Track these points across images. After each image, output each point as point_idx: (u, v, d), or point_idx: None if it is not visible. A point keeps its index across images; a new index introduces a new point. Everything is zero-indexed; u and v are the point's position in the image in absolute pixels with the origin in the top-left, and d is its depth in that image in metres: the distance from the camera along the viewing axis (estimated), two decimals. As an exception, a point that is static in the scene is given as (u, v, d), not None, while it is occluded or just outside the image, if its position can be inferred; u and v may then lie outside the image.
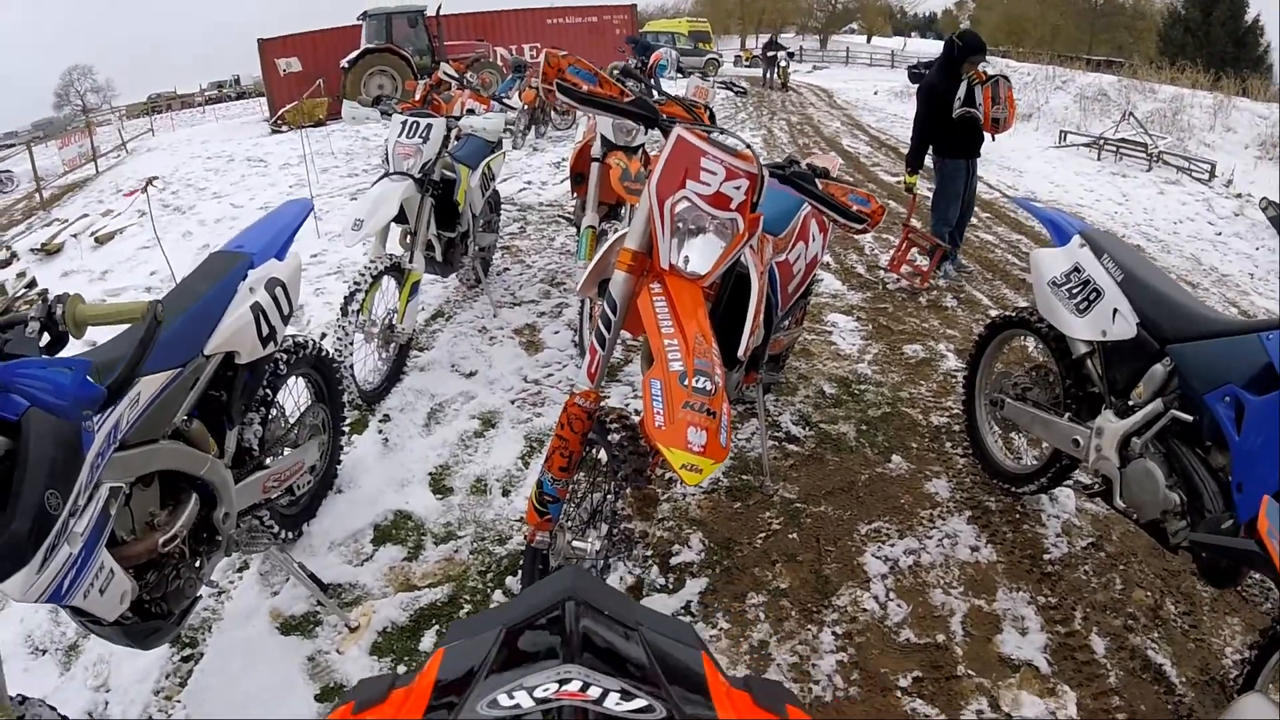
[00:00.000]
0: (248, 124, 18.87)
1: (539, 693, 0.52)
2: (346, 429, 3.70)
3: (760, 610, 2.59)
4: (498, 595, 2.72)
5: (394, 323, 3.92)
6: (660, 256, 1.95)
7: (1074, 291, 2.77)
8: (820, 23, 56.30)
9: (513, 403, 3.94)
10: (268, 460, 2.68)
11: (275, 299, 2.45)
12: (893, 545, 2.92)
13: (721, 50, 37.44)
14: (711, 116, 6.65)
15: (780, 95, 22.46)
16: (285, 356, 2.73)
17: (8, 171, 15.54)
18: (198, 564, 2.28)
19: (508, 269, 6.11)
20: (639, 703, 0.52)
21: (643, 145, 4.55)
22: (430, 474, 3.36)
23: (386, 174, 3.96)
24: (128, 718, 2.41)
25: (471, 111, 5.31)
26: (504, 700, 0.52)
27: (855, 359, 4.55)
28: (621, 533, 2.02)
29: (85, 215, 9.16)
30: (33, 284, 6.89)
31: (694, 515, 3.04)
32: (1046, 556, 2.91)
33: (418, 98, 7.65)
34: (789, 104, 20.66)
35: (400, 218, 4.05)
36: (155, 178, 9.96)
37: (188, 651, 2.65)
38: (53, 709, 1.83)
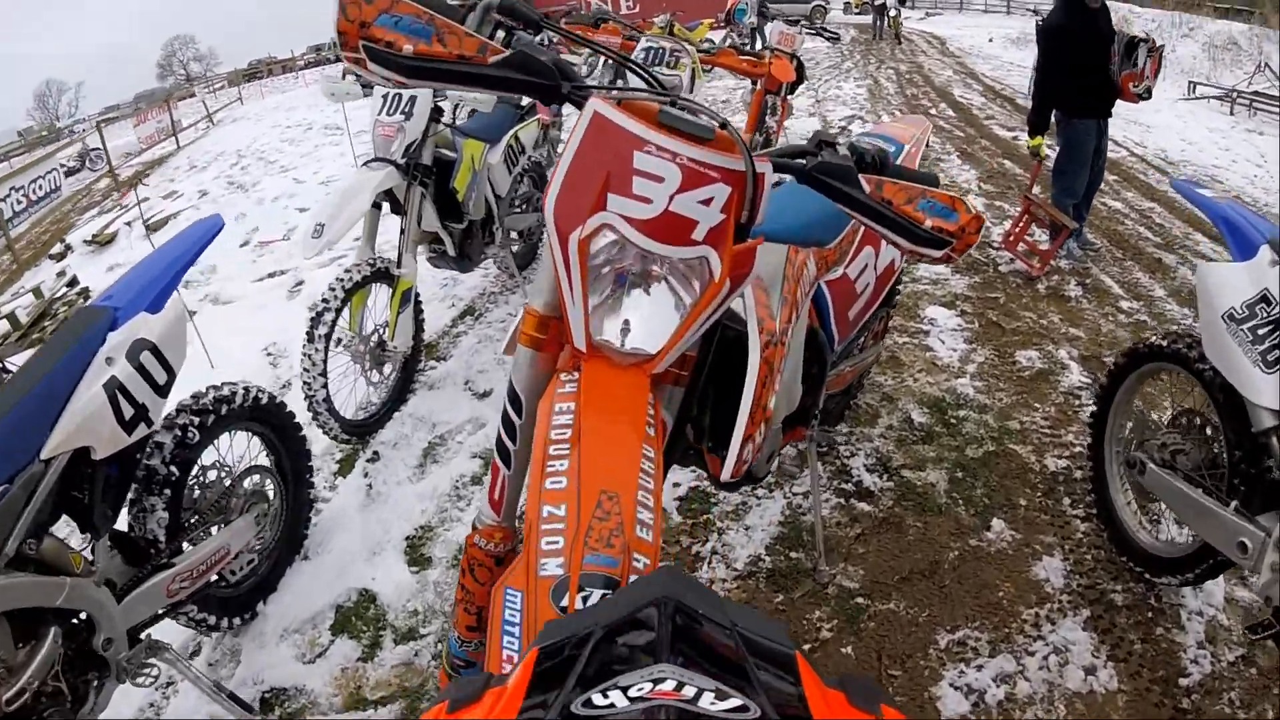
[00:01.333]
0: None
1: (633, 692, 0.50)
2: (335, 468, 3.19)
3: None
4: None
5: (384, 338, 3.33)
6: (572, 330, 1.19)
7: (1261, 333, 1.92)
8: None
9: (528, 433, 3.32)
10: (185, 547, 2.17)
11: (142, 367, 1.87)
12: (980, 666, 2.18)
13: (829, -4, 35.27)
14: (799, 68, 5.80)
15: (890, 44, 20.85)
16: (195, 420, 2.19)
17: (96, 149, 15.68)
18: (86, 697, 1.82)
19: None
20: (733, 702, 0.50)
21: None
22: (408, 538, 2.78)
23: (368, 161, 3.35)
24: None
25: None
26: (598, 700, 0.50)
27: (955, 371, 3.74)
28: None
29: (146, 199, 8.97)
30: (73, 282, 6.69)
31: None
32: (1183, 681, 2.14)
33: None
34: (899, 53, 19.16)
35: (399, 210, 3.45)
36: (146, 173, 9.70)
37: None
38: None
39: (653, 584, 0.66)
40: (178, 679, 2.43)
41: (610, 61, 4.74)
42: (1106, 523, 2.60)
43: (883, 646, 2.24)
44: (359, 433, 3.25)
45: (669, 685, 0.51)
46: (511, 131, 4.12)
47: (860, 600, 2.39)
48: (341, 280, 3.01)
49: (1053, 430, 3.24)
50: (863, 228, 2.24)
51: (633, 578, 0.98)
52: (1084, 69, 4.61)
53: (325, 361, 2.97)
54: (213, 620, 2.37)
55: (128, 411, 1.84)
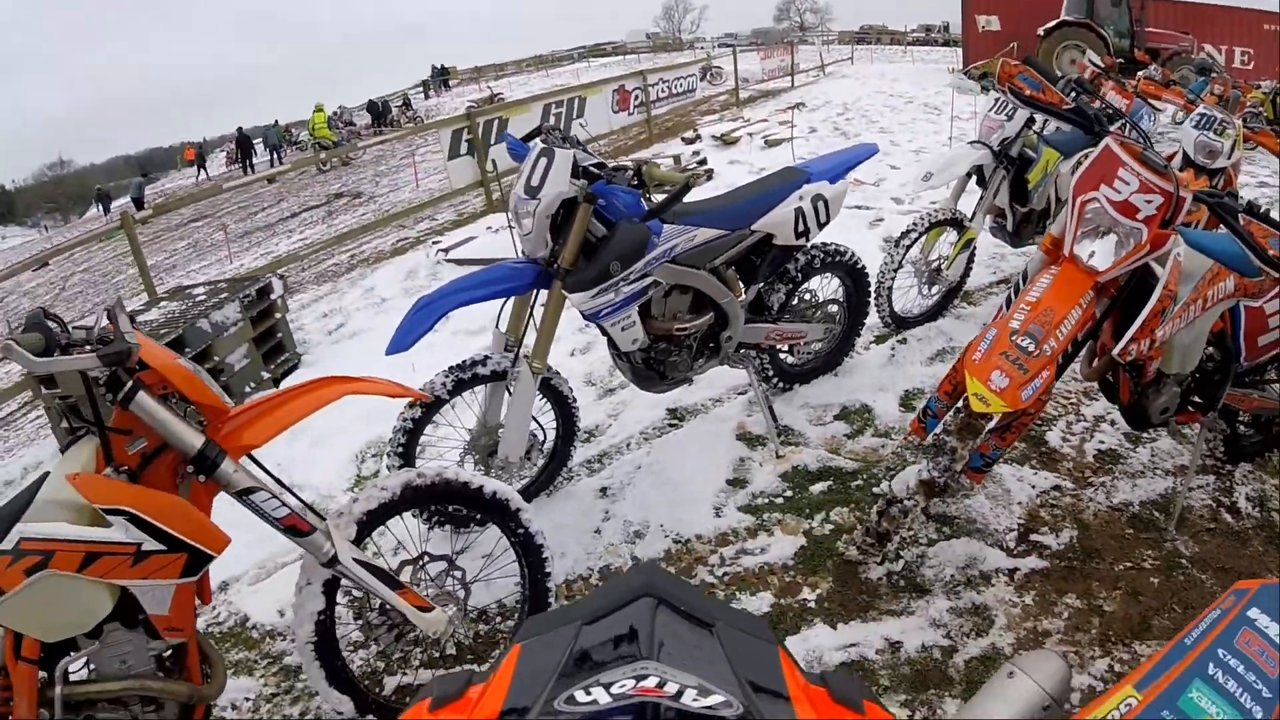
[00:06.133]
0: (938, 71, 19.73)
1: (616, 689, 0.53)
2: (865, 347, 4.52)
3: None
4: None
5: (941, 268, 4.60)
6: (1066, 244, 2.35)
7: None
8: None
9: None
10: (783, 319, 3.67)
11: (815, 209, 3.38)
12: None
13: None
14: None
15: None
16: (822, 255, 3.66)
17: (718, 68, 19.71)
18: (699, 356, 3.39)
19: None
20: (715, 699, 0.53)
21: (1224, 171, 4.46)
22: (906, 390, 4.03)
23: (972, 141, 4.57)
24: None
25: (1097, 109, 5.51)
26: (581, 696, 0.54)
27: None
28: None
29: (765, 120, 11.15)
30: (704, 161, 8.96)
31: (1066, 505, 3.14)
32: None
33: (1087, 75, 8.07)
34: None
35: (983, 183, 4.63)
36: (800, 104, 11.44)
37: (674, 421, 3.96)
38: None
39: (634, 580, 0.69)
40: (730, 399, 4.00)
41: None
42: None
43: (1180, 594, 2.75)
44: (896, 323, 4.59)
45: (651, 681, 0.53)
46: (1085, 150, 5.00)
47: (1184, 561, 2.89)
48: (928, 217, 4.40)
49: None
50: None
51: (1046, 343, 2.14)
52: None
53: (899, 264, 4.38)
54: (771, 374, 3.88)
55: (799, 228, 3.36)
